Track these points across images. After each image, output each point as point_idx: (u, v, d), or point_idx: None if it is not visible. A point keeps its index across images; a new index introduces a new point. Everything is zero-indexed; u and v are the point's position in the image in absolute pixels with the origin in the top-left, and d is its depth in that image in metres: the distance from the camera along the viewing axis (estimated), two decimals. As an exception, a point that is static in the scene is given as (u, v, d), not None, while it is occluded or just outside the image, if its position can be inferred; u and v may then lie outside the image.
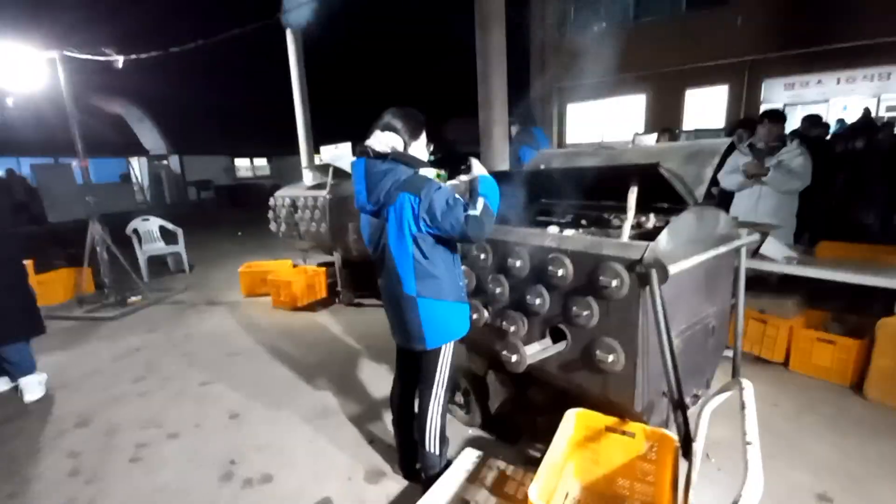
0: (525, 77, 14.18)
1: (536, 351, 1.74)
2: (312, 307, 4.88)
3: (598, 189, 2.07)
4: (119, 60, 4.65)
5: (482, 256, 2.10)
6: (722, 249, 1.71)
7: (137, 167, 20.57)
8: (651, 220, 2.10)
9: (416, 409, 2.04)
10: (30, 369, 3.23)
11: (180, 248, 6.73)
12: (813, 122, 5.20)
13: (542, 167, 2.19)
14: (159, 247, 6.68)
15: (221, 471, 2.35)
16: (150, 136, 20.38)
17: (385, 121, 1.80)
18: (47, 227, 13.31)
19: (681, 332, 1.75)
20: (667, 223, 1.81)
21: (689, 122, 12.72)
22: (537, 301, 1.84)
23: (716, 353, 2.09)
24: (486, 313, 2.14)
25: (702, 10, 11.81)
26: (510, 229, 2.05)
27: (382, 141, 1.76)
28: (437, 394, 1.94)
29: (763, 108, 12.03)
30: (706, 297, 1.92)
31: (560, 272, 1.72)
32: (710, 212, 1.82)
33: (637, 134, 11.29)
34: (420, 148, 1.84)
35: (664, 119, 12.98)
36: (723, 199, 4.04)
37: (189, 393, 3.17)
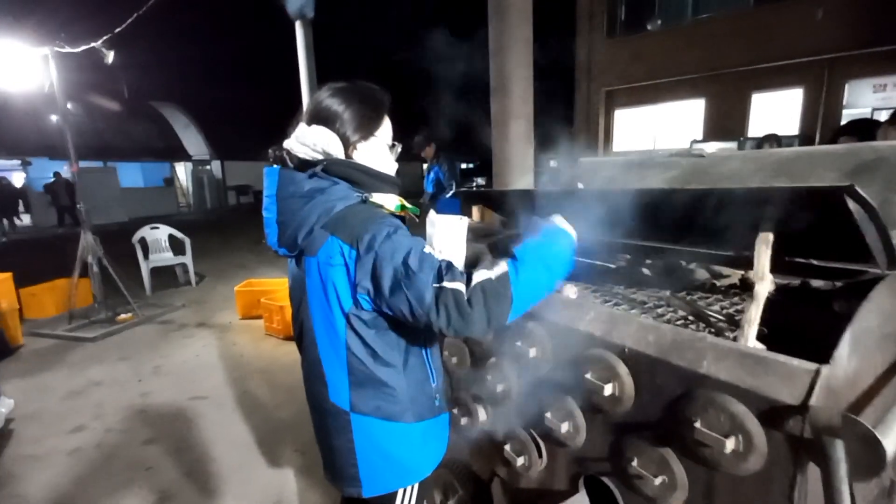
0: (570, 81, 13.24)
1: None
2: (309, 336, 4.22)
3: (675, 223, 1.22)
4: (109, 56, 4.22)
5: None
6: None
7: (182, 172, 21.13)
8: (765, 278, 1.23)
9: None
10: None
11: (187, 259, 6.31)
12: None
13: (581, 185, 1.37)
14: (166, 257, 6.28)
15: None
16: (194, 142, 20.88)
17: (316, 105, 1.06)
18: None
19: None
20: (804, 291, 0.97)
21: (756, 129, 11.30)
22: (564, 427, 1.03)
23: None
24: (481, 414, 1.35)
25: (773, 3, 10.44)
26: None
27: (308, 140, 1.01)
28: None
29: (846, 113, 10.49)
30: None
31: (609, 389, 0.90)
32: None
33: (695, 141, 10.11)
34: (375, 152, 1.08)
35: (725, 126, 11.64)
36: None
37: (124, 456, 2.54)
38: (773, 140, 3.97)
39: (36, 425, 2.89)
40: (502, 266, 0.88)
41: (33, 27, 4.38)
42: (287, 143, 1.05)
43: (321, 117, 1.03)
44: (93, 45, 4.08)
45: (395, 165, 1.13)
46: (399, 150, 1.15)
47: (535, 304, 0.89)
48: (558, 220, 1.00)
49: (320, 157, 1.02)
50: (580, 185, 1.35)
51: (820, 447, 0.64)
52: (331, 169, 1.00)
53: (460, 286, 0.85)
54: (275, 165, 1.07)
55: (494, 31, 1.99)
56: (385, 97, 1.10)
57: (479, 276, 0.86)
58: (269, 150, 1.08)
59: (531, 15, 1.97)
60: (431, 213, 1.01)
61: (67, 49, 4.14)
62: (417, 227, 1.12)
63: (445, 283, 0.85)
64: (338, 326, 0.99)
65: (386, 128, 1.09)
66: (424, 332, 1.06)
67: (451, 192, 4.27)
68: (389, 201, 1.03)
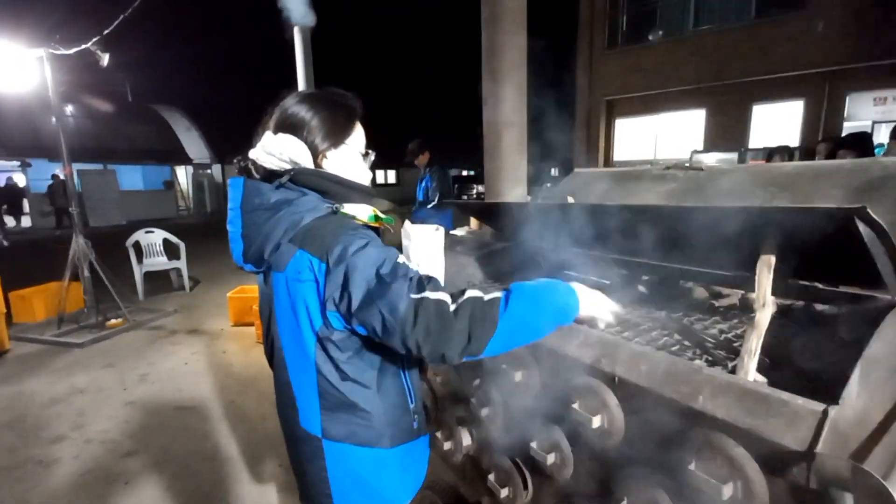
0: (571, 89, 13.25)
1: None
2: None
3: (672, 240, 1.16)
4: (104, 59, 4.18)
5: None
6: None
7: (182, 175, 21.12)
8: (767, 305, 1.16)
9: None
10: None
11: (182, 263, 6.24)
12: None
13: (571, 199, 1.31)
14: (160, 262, 6.21)
15: None
16: (195, 145, 20.87)
17: (282, 113, 0.99)
18: (87, 232, 13.45)
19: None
20: (808, 315, 0.92)
21: (757, 140, 11.29)
22: (550, 458, 0.95)
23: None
24: (465, 439, 1.27)
25: (774, 15, 10.47)
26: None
27: (274, 149, 0.95)
28: None
29: (846, 125, 10.48)
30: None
31: (597, 421, 0.83)
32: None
33: (695, 152, 10.08)
34: (347, 160, 1.01)
35: (726, 137, 11.63)
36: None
37: (102, 471, 2.45)
38: (783, 152, 3.91)
39: (13, 434, 2.81)
40: (495, 293, 0.81)
41: (29, 28, 4.34)
42: (252, 153, 0.98)
43: (288, 125, 0.97)
44: (85, 46, 4.04)
45: (370, 175, 1.07)
46: (373, 158, 1.09)
47: (517, 345, 0.82)
48: (575, 285, 0.88)
49: (288, 166, 0.95)
50: (570, 199, 1.29)
51: (827, 499, 0.57)
52: (299, 179, 0.94)
53: (445, 297, 0.79)
54: (240, 176, 1.01)
55: (487, 36, 1.93)
56: (356, 103, 1.04)
57: (470, 293, 0.80)
58: (235, 160, 1.03)
59: (525, 21, 1.92)
60: (406, 223, 0.94)
61: (62, 51, 4.11)
62: (395, 239, 1.06)
63: (428, 294, 0.78)
64: (307, 347, 0.93)
65: (358, 135, 1.03)
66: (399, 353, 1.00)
67: (432, 204, 4.26)
68: (362, 212, 0.97)
